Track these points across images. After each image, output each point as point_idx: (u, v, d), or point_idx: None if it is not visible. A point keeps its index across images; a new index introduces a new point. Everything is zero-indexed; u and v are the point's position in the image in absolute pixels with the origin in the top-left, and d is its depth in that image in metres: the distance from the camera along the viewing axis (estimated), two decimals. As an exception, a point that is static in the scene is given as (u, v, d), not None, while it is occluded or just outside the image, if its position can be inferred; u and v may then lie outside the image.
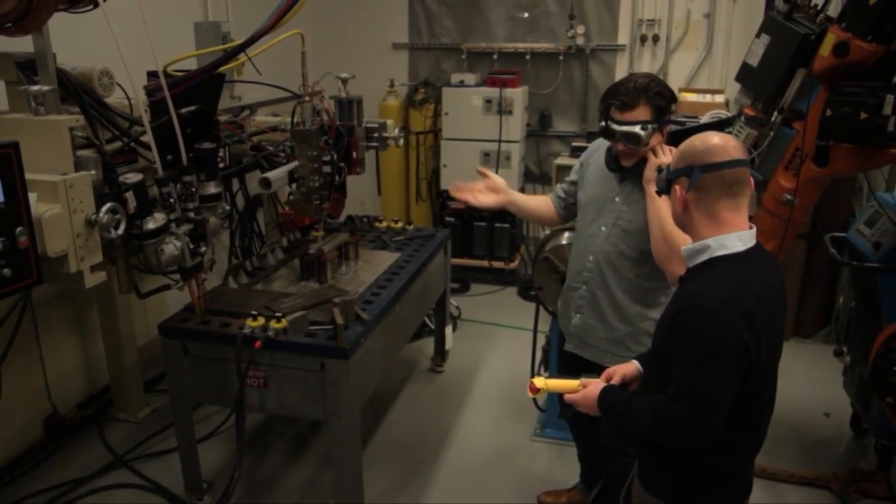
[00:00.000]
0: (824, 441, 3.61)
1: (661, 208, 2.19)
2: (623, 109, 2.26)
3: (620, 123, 2.27)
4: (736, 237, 1.69)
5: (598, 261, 2.47)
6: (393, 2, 6.01)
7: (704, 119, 3.07)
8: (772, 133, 2.68)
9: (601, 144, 2.56)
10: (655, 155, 2.30)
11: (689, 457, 1.74)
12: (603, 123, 2.32)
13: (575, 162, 2.76)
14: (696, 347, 1.63)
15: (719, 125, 2.37)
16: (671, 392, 1.68)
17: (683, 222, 1.78)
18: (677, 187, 1.73)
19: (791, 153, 2.64)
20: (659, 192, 1.85)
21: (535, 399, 3.63)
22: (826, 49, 2.42)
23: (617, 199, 2.43)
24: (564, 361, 2.71)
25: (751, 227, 1.72)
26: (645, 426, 1.73)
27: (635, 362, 1.99)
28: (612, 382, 1.93)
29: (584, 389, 1.91)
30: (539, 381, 1.92)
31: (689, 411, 1.64)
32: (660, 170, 1.83)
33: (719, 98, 4.99)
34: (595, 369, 2.51)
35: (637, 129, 2.25)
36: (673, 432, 1.69)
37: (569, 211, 2.72)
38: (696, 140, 1.73)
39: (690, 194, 1.70)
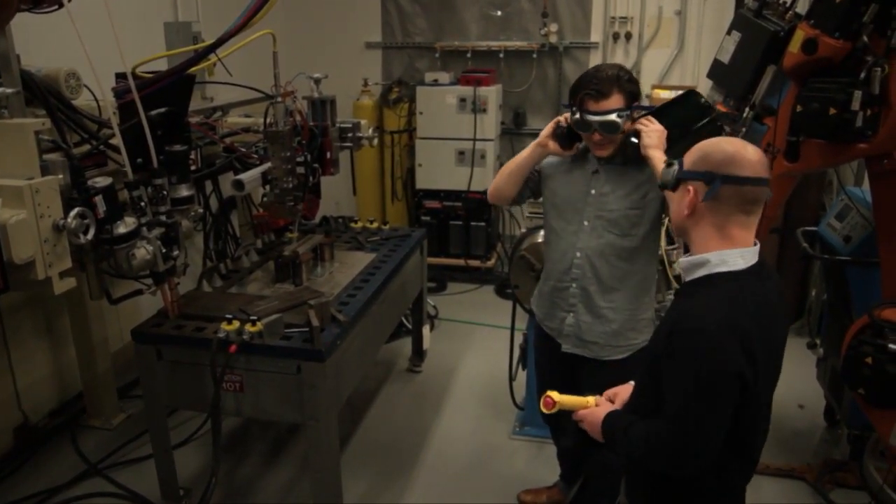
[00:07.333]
0: (798, 432, 3.66)
1: None
2: (598, 99, 2.27)
3: (596, 113, 2.28)
4: (738, 253, 1.59)
5: (587, 255, 2.44)
6: (365, 1, 5.99)
7: None
8: (744, 129, 2.70)
9: None
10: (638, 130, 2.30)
11: (679, 477, 1.68)
12: (577, 115, 2.32)
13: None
14: (689, 372, 1.54)
15: (686, 96, 2.43)
16: (665, 417, 1.60)
17: (685, 227, 1.66)
18: (691, 188, 1.61)
19: (763, 149, 2.67)
20: (663, 187, 1.71)
21: (514, 399, 3.64)
22: (795, 46, 2.44)
23: (593, 191, 2.43)
24: (561, 366, 2.61)
25: (755, 244, 1.63)
26: (641, 454, 1.66)
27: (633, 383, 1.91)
28: (614, 406, 1.85)
29: (593, 408, 1.84)
30: (555, 395, 1.89)
31: (683, 437, 1.57)
32: (669, 164, 1.69)
33: (691, 95, 5.04)
34: (594, 369, 2.51)
35: (613, 117, 2.27)
36: (667, 459, 1.62)
37: (521, 197, 2.62)
38: (726, 144, 1.61)
39: (704, 203, 1.59)
